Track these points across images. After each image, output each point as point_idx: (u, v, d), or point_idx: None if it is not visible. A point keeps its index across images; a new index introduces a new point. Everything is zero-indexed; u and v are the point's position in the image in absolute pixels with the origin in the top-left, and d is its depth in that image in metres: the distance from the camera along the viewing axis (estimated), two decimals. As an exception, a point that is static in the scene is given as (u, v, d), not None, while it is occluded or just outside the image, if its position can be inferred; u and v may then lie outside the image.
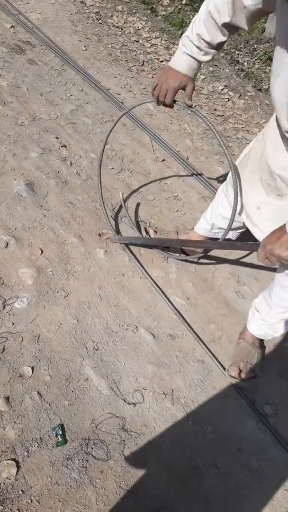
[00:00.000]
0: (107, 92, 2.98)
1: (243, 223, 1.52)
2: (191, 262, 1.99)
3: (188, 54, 1.26)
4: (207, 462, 1.36)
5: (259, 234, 1.37)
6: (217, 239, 1.79)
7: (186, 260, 1.97)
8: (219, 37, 1.19)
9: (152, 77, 3.48)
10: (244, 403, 1.55)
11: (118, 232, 1.99)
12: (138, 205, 2.20)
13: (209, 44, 1.21)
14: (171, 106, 1.42)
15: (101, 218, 2.02)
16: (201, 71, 3.88)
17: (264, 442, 1.47)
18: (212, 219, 1.75)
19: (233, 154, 2.98)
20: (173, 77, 1.30)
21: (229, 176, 1.49)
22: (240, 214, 1.50)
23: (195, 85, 1.36)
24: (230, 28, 1.17)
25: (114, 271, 1.81)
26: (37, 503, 1.14)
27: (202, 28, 1.18)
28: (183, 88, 1.34)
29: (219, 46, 1.24)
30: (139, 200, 2.23)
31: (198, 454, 1.37)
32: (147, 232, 2.00)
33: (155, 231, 1.99)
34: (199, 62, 1.28)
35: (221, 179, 2.67)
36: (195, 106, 3.12)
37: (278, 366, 1.73)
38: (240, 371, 1.59)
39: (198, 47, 1.23)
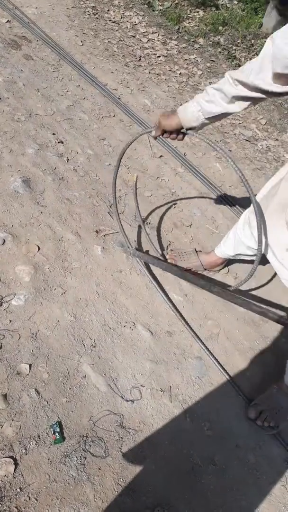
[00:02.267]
0: (104, 88, 2.96)
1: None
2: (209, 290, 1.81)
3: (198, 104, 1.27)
4: (205, 458, 1.36)
5: (286, 275, 1.37)
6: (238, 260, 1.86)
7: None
8: (232, 91, 1.18)
9: (149, 72, 3.46)
10: (241, 400, 1.56)
11: (139, 244, 1.95)
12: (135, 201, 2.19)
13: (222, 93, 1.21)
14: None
15: (98, 214, 2.01)
16: (198, 67, 3.87)
17: (262, 438, 1.48)
18: (235, 249, 1.73)
19: (230, 150, 2.97)
20: (171, 119, 1.33)
21: (251, 208, 1.51)
22: (266, 253, 1.47)
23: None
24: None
25: (112, 268, 1.81)
26: (35, 501, 1.14)
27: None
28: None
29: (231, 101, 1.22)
30: (137, 196, 2.22)
31: (196, 450, 1.37)
32: (164, 256, 1.95)
33: (174, 258, 1.92)
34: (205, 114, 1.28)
35: (218, 175, 2.67)
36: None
37: (276, 363, 1.73)
38: (259, 416, 1.49)
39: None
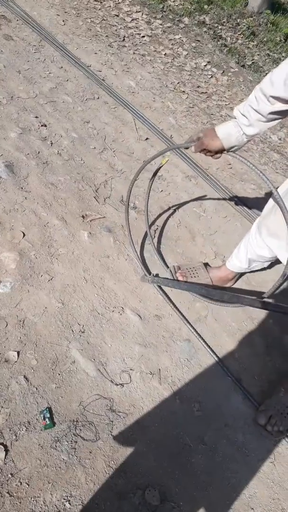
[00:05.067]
0: (87, 69, 2.89)
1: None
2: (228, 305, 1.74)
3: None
4: (195, 438, 1.38)
5: None
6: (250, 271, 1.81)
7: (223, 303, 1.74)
8: (267, 108, 1.19)
9: (134, 53, 3.38)
10: (230, 381, 1.58)
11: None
12: (122, 185, 2.17)
13: (258, 113, 1.22)
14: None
15: (84, 199, 1.98)
16: (184, 47, 3.80)
17: (250, 417, 1.50)
18: (249, 261, 1.69)
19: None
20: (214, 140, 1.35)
21: (263, 214, 1.50)
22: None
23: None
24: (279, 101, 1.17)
25: (99, 253, 1.79)
26: (27, 486, 1.14)
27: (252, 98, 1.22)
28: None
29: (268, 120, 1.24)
30: (123, 180, 2.20)
31: (186, 431, 1.39)
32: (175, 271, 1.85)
33: (184, 276, 1.82)
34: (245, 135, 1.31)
35: (205, 158, 2.65)
36: (178, 83, 3.06)
37: (264, 343, 1.75)
38: (269, 421, 1.47)
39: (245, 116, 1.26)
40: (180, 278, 1.80)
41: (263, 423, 1.46)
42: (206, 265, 1.92)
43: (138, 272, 1.79)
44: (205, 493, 1.28)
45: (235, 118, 1.32)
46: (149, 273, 1.78)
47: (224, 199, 2.38)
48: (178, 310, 1.71)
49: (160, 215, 2.11)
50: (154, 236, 1.99)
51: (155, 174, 1.86)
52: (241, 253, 1.71)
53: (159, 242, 1.97)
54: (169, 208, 2.17)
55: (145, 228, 1.92)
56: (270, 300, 1.41)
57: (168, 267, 1.86)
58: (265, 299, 1.42)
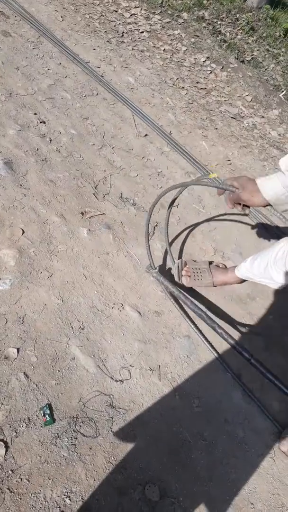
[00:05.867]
0: (86, 65, 2.88)
1: None
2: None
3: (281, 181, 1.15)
4: (195, 434, 1.39)
5: None
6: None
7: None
8: None
9: (133, 49, 3.37)
10: (229, 377, 1.58)
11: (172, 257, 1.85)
12: (121, 182, 2.16)
13: None
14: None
15: (83, 196, 1.98)
16: (183, 42, 3.78)
17: (250, 412, 1.51)
18: (262, 278, 1.61)
19: (216, 128, 2.94)
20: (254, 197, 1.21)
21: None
22: None
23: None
24: None
25: (98, 250, 1.79)
26: (27, 482, 1.15)
27: None
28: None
29: None
30: (122, 176, 2.19)
31: (186, 427, 1.40)
32: (180, 271, 1.83)
33: (189, 277, 1.79)
34: None
35: (205, 154, 2.64)
36: (177, 79, 3.06)
37: (264, 339, 1.75)
38: None
39: None
40: (184, 277, 1.79)
41: (287, 450, 1.43)
42: (210, 264, 1.89)
43: (141, 266, 1.79)
44: (205, 489, 1.28)
45: (282, 171, 1.15)
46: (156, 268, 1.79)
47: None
48: (178, 306, 1.71)
49: (159, 211, 2.11)
50: (153, 233, 1.98)
51: (171, 203, 1.86)
52: (257, 269, 1.61)
53: (159, 239, 1.97)
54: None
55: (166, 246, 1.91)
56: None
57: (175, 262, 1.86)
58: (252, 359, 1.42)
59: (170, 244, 1.97)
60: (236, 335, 1.73)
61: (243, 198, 1.22)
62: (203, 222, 2.17)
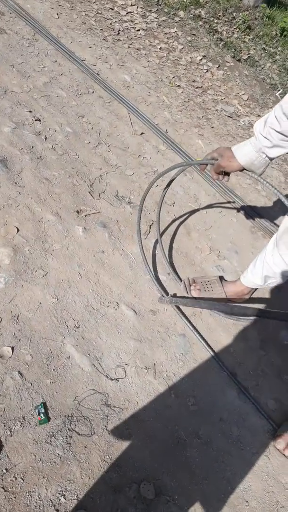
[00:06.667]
0: (82, 63, 2.87)
1: None
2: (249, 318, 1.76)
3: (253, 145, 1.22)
4: (190, 432, 1.39)
5: None
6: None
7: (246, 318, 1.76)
8: None
9: (129, 47, 3.36)
10: (225, 375, 1.58)
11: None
12: (117, 180, 2.16)
13: (280, 134, 1.13)
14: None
15: (79, 194, 1.97)
16: (179, 41, 3.77)
17: (245, 411, 1.51)
18: (266, 278, 1.59)
19: (212, 127, 2.93)
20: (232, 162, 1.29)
21: (280, 232, 1.44)
22: None
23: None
24: None
25: (94, 248, 1.79)
26: (22, 480, 1.14)
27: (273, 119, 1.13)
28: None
29: None
30: (118, 175, 2.19)
31: (181, 425, 1.40)
32: (189, 285, 1.79)
33: (198, 290, 1.75)
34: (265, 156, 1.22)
35: (201, 152, 2.64)
36: (174, 77, 3.04)
37: (258, 338, 1.76)
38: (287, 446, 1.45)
39: (266, 138, 1.17)
40: (194, 293, 1.75)
41: (282, 448, 1.44)
42: (221, 278, 1.84)
43: (137, 264, 1.79)
44: (200, 487, 1.28)
45: (255, 137, 1.22)
46: (167, 294, 1.75)
47: (220, 194, 2.37)
48: (192, 327, 1.71)
49: (155, 209, 2.10)
50: (149, 231, 1.98)
51: (168, 185, 1.84)
52: (257, 269, 1.60)
53: (155, 237, 1.96)
54: (164, 203, 2.16)
55: (157, 237, 1.91)
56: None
57: (181, 280, 1.82)
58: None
59: (170, 243, 1.97)
60: (231, 334, 1.73)
61: (222, 164, 1.31)
62: (199, 221, 2.16)
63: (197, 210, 2.22)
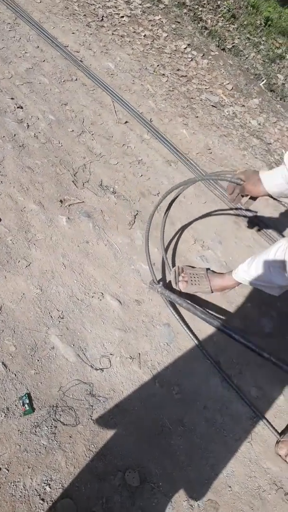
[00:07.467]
0: (64, 49, 2.81)
1: None
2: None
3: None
4: (174, 421, 1.40)
5: None
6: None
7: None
8: None
9: (112, 34, 3.30)
10: (209, 364, 1.60)
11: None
12: (101, 169, 2.14)
13: None
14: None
15: (62, 183, 1.95)
16: (164, 28, 3.73)
17: (228, 399, 1.53)
18: (261, 282, 1.56)
19: (197, 116, 2.92)
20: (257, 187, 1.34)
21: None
22: None
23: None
24: None
25: (78, 238, 1.77)
26: (6, 471, 1.14)
27: None
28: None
29: None
30: (102, 164, 2.16)
31: (165, 414, 1.41)
32: (178, 274, 1.78)
33: (186, 282, 1.74)
34: None
35: (185, 142, 2.63)
36: (158, 65, 3.01)
37: (241, 326, 1.78)
38: None
39: None
40: (181, 282, 1.74)
41: (284, 454, 1.44)
42: (208, 270, 1.83)
43: (121, 255, 1.79)
44: (184, 473, 1.30)
45: (284, 167, 1.25)
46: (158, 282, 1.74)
47: (205, 185, 2.38)
48: (179, 317, 1.70)
49: (139, 199, 2.09)
50: (134, 221, 1.97)
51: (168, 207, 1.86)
52: (255, 271, 1.56)
53: (139, 228, 1.96)
54: (149, 193, 2.15)
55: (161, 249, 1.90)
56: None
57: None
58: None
59: (164, 244, 1.96)
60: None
61: (247, 188, 1.34)
62: (183, 211, 2.16)
63: (182, 200, 2.22)
